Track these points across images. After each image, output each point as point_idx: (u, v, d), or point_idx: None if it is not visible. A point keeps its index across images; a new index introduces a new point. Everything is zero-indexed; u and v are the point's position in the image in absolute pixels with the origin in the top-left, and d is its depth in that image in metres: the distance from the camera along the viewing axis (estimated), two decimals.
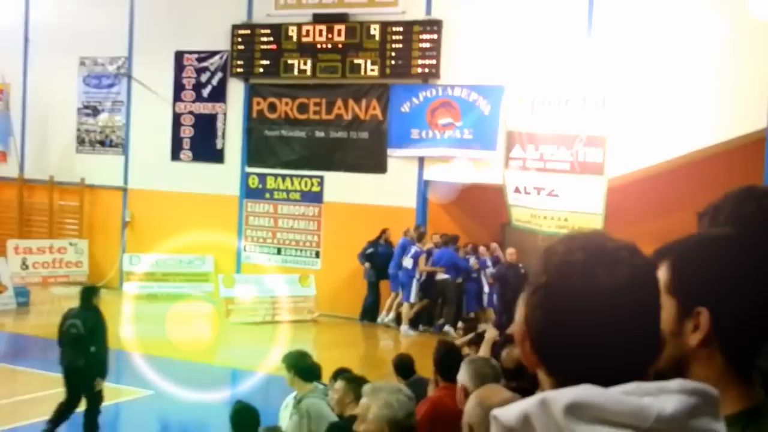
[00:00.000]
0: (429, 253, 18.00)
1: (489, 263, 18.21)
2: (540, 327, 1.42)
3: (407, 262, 17.78)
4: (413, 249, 17.80)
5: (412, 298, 17.80)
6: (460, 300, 18.01)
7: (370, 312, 18.65)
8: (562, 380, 1.41)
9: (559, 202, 16.93)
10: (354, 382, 7.21)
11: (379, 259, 18.42)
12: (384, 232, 18.57)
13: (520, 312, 1.49)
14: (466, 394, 5.32)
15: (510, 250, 17.23)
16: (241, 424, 7.44)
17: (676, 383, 1.34)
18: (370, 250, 18.47)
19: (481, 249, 18.44)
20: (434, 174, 18.50)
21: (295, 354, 8.18)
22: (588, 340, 1.37)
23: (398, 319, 18.05)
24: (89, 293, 10.66)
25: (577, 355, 1.38)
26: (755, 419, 1.68)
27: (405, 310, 17.85)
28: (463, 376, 5.43)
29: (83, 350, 10.13)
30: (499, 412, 1.34)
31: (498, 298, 17.45)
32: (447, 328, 17.34)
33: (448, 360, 6.91)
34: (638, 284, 1.39)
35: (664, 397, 1.31)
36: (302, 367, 7.91)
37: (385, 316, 18.30)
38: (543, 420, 1.28)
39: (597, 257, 1.39)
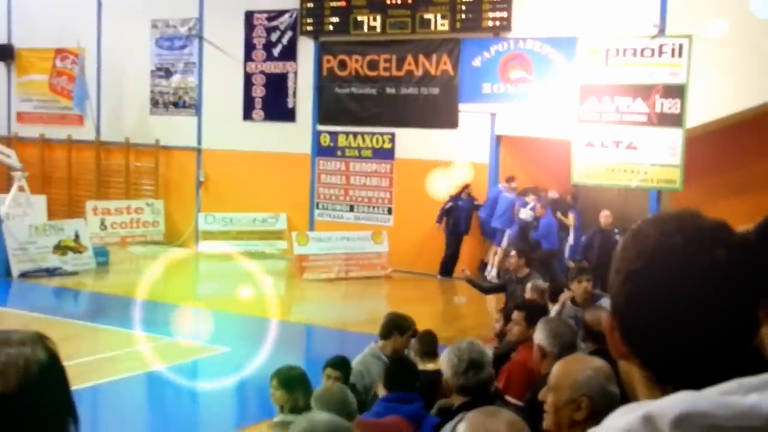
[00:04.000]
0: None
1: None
2: (636, 316, 1.34)
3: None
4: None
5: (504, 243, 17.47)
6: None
7: (447, 266, 18.54)
8: (658, 372, 1.35)
9: (638, 155, 16.57)
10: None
11: (459, 213, 18.31)
12: (466, 187, 18.42)
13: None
14: (543, 354, 5.27)
15: (604, 212, 16.18)
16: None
17: None
18: (449, 205, 18.37)
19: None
20: (507, 129, 18.26)
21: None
22: (688, 325, 1.29)
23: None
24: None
25: (676, 343, 1.30)
26: None
27: (499, 255, 17.57)
28: (539, 336, 5.37)
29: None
30: None
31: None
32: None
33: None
34: (738, 264, 1.31)
35: None
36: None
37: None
38: None
39: (696, 239, 1.31)
